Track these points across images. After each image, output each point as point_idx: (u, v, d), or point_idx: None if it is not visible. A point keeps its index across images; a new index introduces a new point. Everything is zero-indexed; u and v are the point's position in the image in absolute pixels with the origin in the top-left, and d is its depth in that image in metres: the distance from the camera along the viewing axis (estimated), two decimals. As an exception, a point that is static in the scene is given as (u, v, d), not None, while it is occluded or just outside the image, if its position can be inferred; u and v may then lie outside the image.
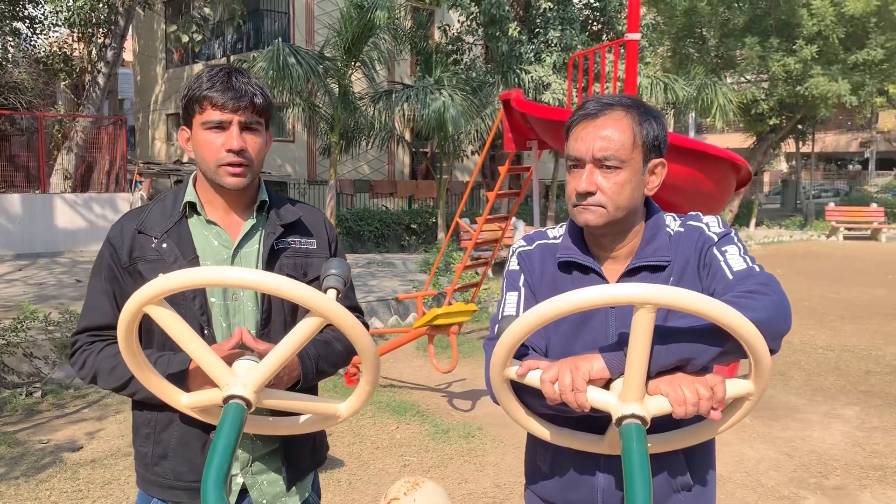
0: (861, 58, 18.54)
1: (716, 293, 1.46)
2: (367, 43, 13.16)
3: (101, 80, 14.48)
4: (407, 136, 18.24)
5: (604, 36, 16.63)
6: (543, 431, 1.48)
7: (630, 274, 1.54)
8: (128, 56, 23.94)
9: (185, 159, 17.85)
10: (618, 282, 1.52)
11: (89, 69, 16.88)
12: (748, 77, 21.88)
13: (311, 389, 1.78)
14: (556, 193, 18.52)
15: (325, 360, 1.69)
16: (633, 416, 1.25)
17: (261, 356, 1.44)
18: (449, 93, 13.87)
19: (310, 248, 1.77)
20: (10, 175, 14.81)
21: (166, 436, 1.68)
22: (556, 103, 14.32)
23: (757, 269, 1.45)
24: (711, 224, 1.57)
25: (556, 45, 15.16)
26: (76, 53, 19.23)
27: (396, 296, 8.78)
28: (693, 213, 1.62)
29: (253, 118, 1.63)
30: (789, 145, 27.45)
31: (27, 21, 17.02)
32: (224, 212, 1.71)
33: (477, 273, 9.73)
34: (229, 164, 1.61)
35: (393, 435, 5.12)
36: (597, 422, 1.45)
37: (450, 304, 6.48)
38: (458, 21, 17.74)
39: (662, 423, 1.40)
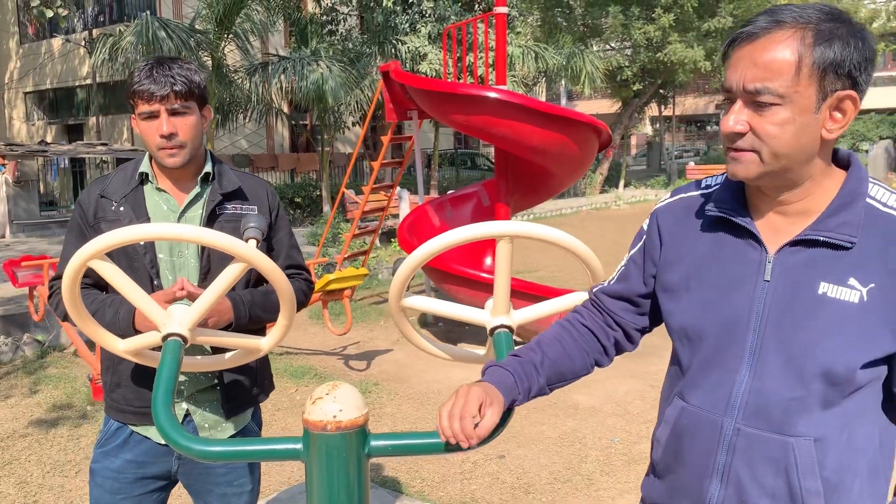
0: (713, 25, 19.90)
1: None
2: (239, 14, 12.95)
3: (-52, 56, 13.48)
4: (285, 108, 18.05)
5: (476, 6, 17.03)
6: (434, 350, 1.80)
7: (798, 245, 1.23)
8: (-26, 30, 22.19)
9: (49, 139, 16.92)
10: (777, 252, 1.24)
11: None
12: (613, 45, 22.98)
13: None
14: (438, 163, 18.91)
15: (260, 307, 1.93)
16: (501, 325, 1.58)
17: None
18: (327, 64, 13.87)
19: (250, 213, 1.99)
20: None
21: (122, 368, 1.95)
22: (434, 73, 14.62)
23: None
24: None
25: (430, 16, 15.41)
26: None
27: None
28: None
29: (178, 104, 1.85)
30: (653, 109, 29.06)
31: None
32: (172, 181, 1.96)
33: (365, 242, 9.98)
34: (165, 148, 1.86)
35: (293, 397, 5.36)
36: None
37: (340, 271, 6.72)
38: (332, -9, 17.62)
39: None
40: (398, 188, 9.44)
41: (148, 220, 1.91)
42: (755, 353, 1.25)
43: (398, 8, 15.59)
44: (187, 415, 1.98)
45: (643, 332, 1.51)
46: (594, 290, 1.54)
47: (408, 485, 3.91)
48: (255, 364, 2.03)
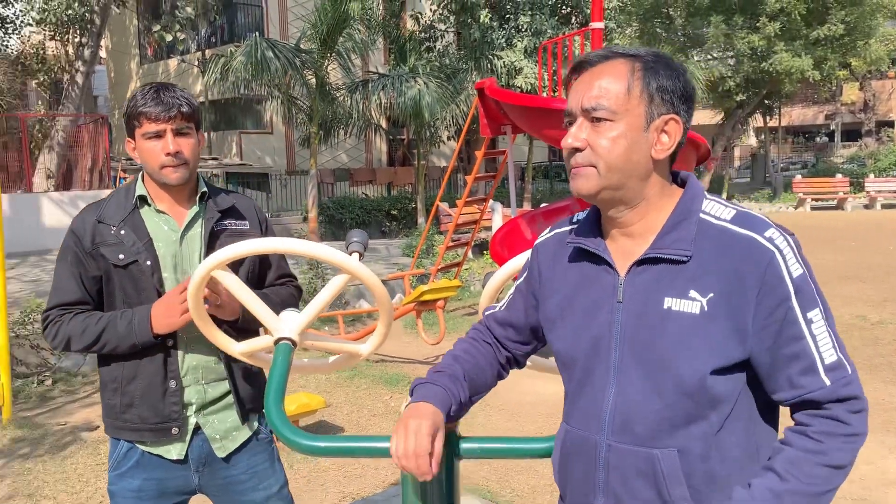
0: (822, 33, 19.11)
1: (790, 380, 1.24)
2: (342, 34, 13.47)
3: (79, 79, 14.63)
4: (383, 124, 18.55)
5: (573, 19, 17.02)
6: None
7: (643, 265, 1.30)
8: (100, 52, 23.92)
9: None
10: (627, 274, 1.32)
11: (67, 68, 16.98)
12: (714, 55, 22.40)
13: (252, 332, 2.05)
14: (532, 175, 18.95)
15: None
16: None
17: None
18: (424, 80, 14.21)
19: (244, 228, 2.09)
20: (-9, 176, 14.94)
21: (132, 388, 1.97)
22: (529, 87, 14.71)
23: (847, 366, 1.24)
24: (785, 252, 1.24)
25: (526, 31, 15.54)
26: (50, 52, 19.27)
27: (384, 277, 9.17)
28: (751, 213, 1.31)
29: (183, 124, 1.93)
30: (757, 120, 28.09)
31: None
32: (170, 203, 2.02)
33: (458, 254, 10.15)
34: (169, 166, 1.92)
35: (388, 403, 5.54)
36: None
37: (434, 282, 6.87)
38: (430, 9, 18.03)
39: None
40: (491, 201, 9.57)
41: (150, 241, 1.96)
42: (618, 371, 1.31)
43: (495, 23, 15.80)
44: (198, 428, 2.01)
45: (528, 355, 1.59)
46: (486, 312, 1.60)
47: (497, 493, 3.99)
48: (257, 370, 2.10)
